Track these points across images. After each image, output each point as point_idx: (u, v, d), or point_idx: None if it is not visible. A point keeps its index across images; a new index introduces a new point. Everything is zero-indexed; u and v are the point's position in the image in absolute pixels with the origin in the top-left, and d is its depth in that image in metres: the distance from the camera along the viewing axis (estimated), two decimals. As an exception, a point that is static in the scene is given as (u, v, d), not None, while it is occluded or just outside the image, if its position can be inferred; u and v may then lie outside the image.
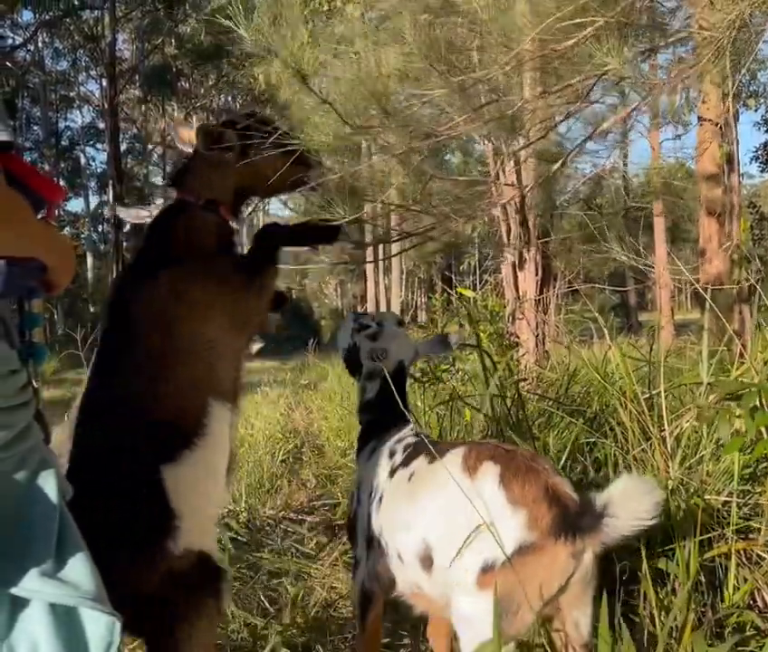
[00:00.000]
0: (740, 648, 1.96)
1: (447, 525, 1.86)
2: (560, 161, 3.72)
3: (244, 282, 2.13)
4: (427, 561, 1.92)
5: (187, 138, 2.29)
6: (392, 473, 2.18)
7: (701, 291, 3.08)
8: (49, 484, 1.32)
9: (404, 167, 3.03)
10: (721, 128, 9.26)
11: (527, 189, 3.91)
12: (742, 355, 3.07)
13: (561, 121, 3.56)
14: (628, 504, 1.63)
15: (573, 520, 1.68)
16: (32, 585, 1.24)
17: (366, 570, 2.22)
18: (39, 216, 1.40)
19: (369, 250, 15.07)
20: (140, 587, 1.75)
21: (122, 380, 1.92)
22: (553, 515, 1.70)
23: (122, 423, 1.85)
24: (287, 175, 2.32)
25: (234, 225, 2.23)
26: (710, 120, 9.34)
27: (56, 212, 1.61)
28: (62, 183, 31.54)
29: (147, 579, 1.77)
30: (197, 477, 1.89)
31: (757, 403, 2.38)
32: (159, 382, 1.91)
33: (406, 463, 2.15)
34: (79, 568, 1.29)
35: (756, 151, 17.47)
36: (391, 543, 2.08)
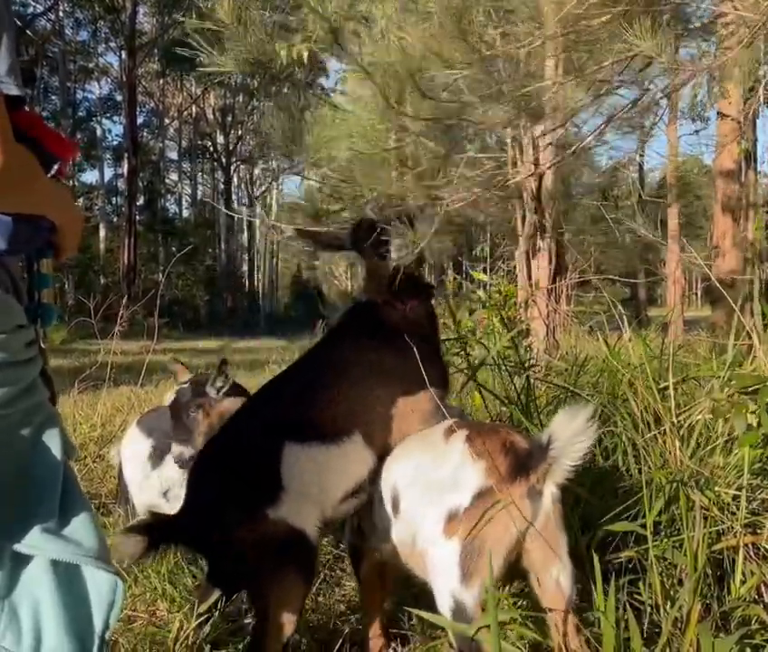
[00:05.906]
0: (746, 642, 1.94)
1: (416, 475, 2.09)
2: (575, 146, 3.66)
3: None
4: (395, 506, 2.13)
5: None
6: None
7: (718, 285, 3.03)
8: (54, 441, 1.30)
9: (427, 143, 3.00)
10: (741, 124, 9.15)
11: (546, 167, 3.86)
12: (752, 350, 3.03)
13: (588, 106, 3.49)
14: (566, 429, 1.81)
15: (524, 461, 1.88)
16: (34, 541, 1.23)
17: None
18: (50, 175, 1.36)
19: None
20: (241, 536, 2.09)
21: (309, 386, 2.31)
22: (508, 462, 1.91)
23: (286, 407, 2.27)
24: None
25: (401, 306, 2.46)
26: (729, 116, 9.23)
27: (68, 168, 1.59)
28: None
29: (246, 530, 2.08)
30: (312, 468, 2.16)
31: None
32: (333, 399, 2.27)
33: None
34: (82, 526, 1.28)
35: (775, 149, 17.17)
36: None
